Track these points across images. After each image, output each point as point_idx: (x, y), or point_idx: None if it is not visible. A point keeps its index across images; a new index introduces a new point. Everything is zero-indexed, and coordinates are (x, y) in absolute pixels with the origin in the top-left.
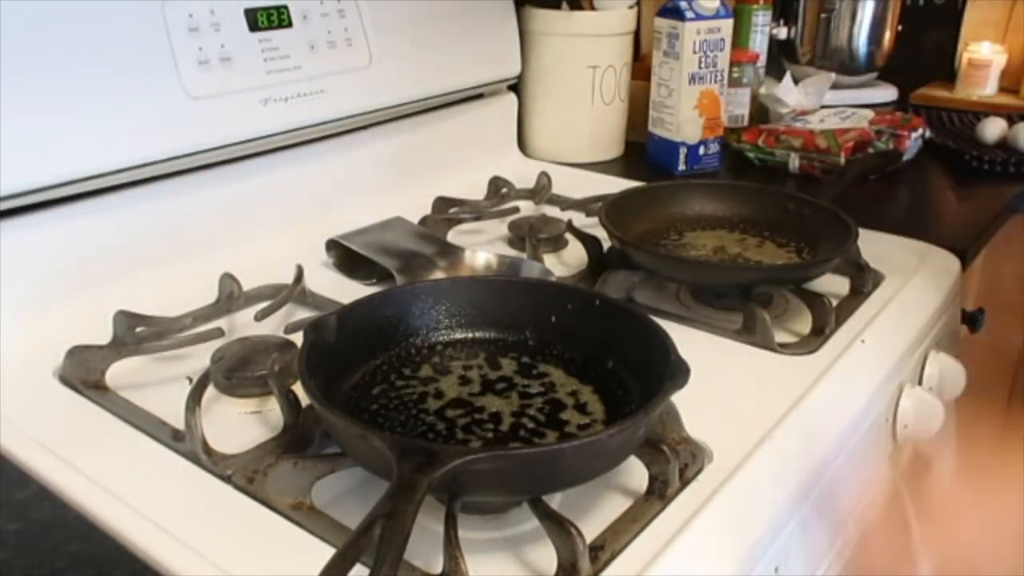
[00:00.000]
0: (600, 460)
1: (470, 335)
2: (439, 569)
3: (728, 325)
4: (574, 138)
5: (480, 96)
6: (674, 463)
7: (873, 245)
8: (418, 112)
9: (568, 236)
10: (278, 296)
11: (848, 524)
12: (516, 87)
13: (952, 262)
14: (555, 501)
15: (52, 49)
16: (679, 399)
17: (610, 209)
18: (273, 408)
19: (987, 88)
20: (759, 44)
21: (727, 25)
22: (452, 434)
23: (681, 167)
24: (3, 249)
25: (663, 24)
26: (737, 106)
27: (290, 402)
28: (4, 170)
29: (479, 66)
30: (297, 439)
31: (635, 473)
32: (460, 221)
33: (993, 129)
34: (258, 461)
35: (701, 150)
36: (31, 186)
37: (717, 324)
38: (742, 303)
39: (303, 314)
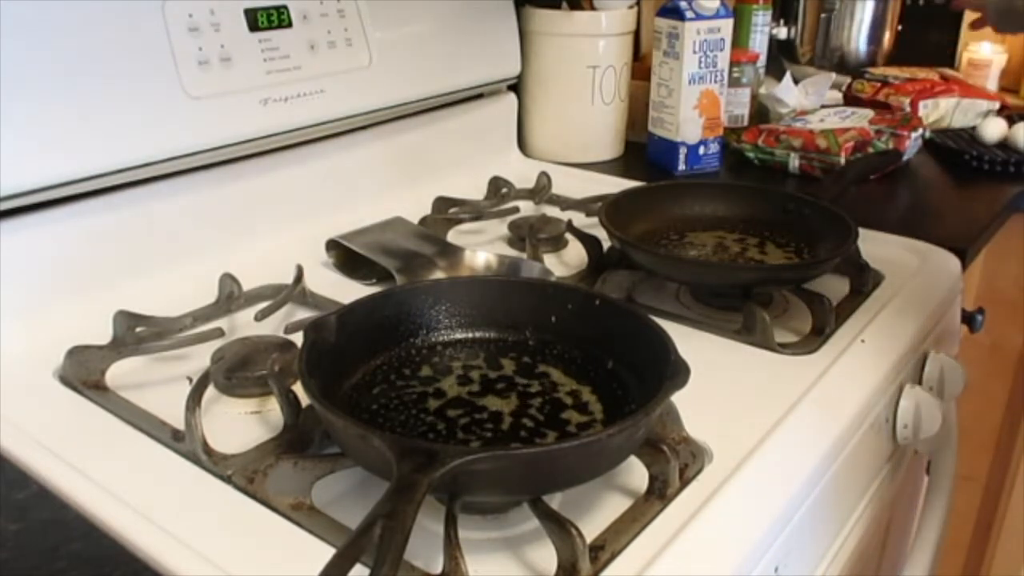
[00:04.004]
0: (600, 460)
1: (470, 335)
2: (439, 569)
3: (728, 325)
4: (574, 138)
5: (480, 96)
6: (674, 463)
7: (873, 245)
8: (418, 112)
9: (568, 236)
10: (278, 296)
11: (848, 524)
12: (516, 87)
13: (952, 262)
14: (555, 501)
15: (52, 49)
16: (679, 399)
17: (610, 209)
18: (273, 408)
19: (987, 88)
20: (759, 44)
21: (727, 25)
22: (452, 434)
23: (681, 167)
24: (3, 249)
25: (663, 24)
26: (737, 106)
27: (290, 402)
28: (4, 170)
29: (479, 66)
30: (297, 439)
31: (635, 473)
32: (460, 221)
33: (993, 129)
34: (258, 461)
35: (701, 150)
36: (31, 186)
37: (717, 324)
38: (742, 303)
39: (303, 314)
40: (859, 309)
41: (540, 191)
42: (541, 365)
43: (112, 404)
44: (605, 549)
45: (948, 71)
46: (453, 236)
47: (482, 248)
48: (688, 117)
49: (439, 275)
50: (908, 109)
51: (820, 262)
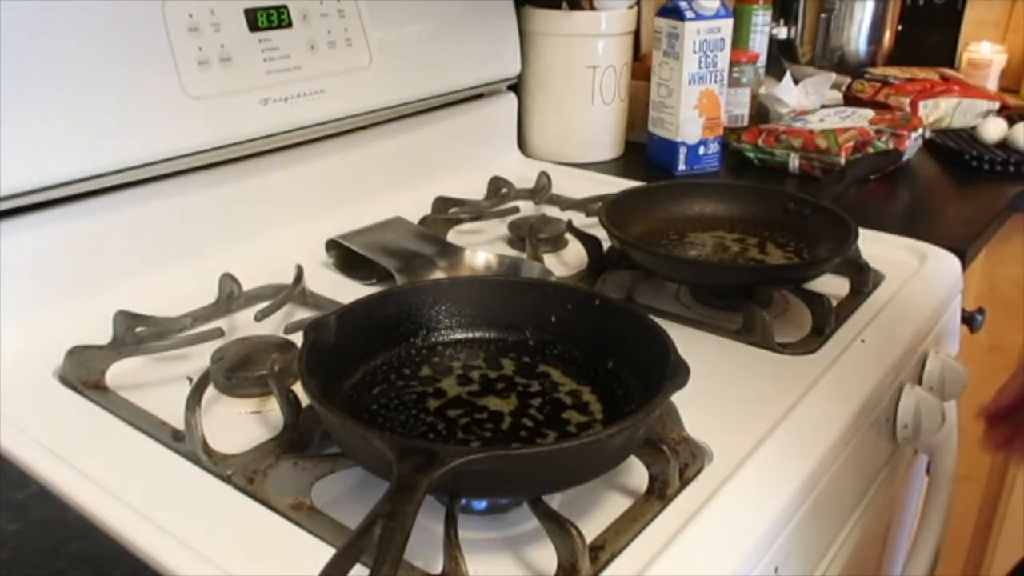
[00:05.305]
0: (600, 460)
1: (470, 335)
2: (439, 569)
3: (728, 325)
4: (574, 138)
5: (480, 96)
6: (674, 463)
7: (873, 245)
8: (418, 112)
9: (568, 236)
10: (278, 296)
11: (848, 524)
12: (516, 87)
13: (952, 262)
14: (555, 501)
15: (52, 49)
16: (679, 399)
17: (610, 209)
18: (273, 408)
19: (987, 88)
20: (759, 44)
21: (727, 25)
22: (452, 434)
23: (681, 167)
24: (3, 249)
25: (663, 24)
26: (737, 106)
27: (290, 402)
28: (4, 170)
29: (479, 66)
30: (297, 439)
31: (635, 473)
32: (460, 221)
33: (993, 129)
34: (258, 461)
35: (701, 150)
36: (31, 186)
37: (717, 324)
38: (742, 303)
39: (303, 314)
40: (859, 309)
41: (540, 191)
42: (541, 365)
43: (112, 404)
44: (605, 549)
45: (948, 71)
46: (453, 236)
47: (482, 248)
48: (688, 117)
49: (439, 275)
50: (908, 109)
51: (820, 262)
